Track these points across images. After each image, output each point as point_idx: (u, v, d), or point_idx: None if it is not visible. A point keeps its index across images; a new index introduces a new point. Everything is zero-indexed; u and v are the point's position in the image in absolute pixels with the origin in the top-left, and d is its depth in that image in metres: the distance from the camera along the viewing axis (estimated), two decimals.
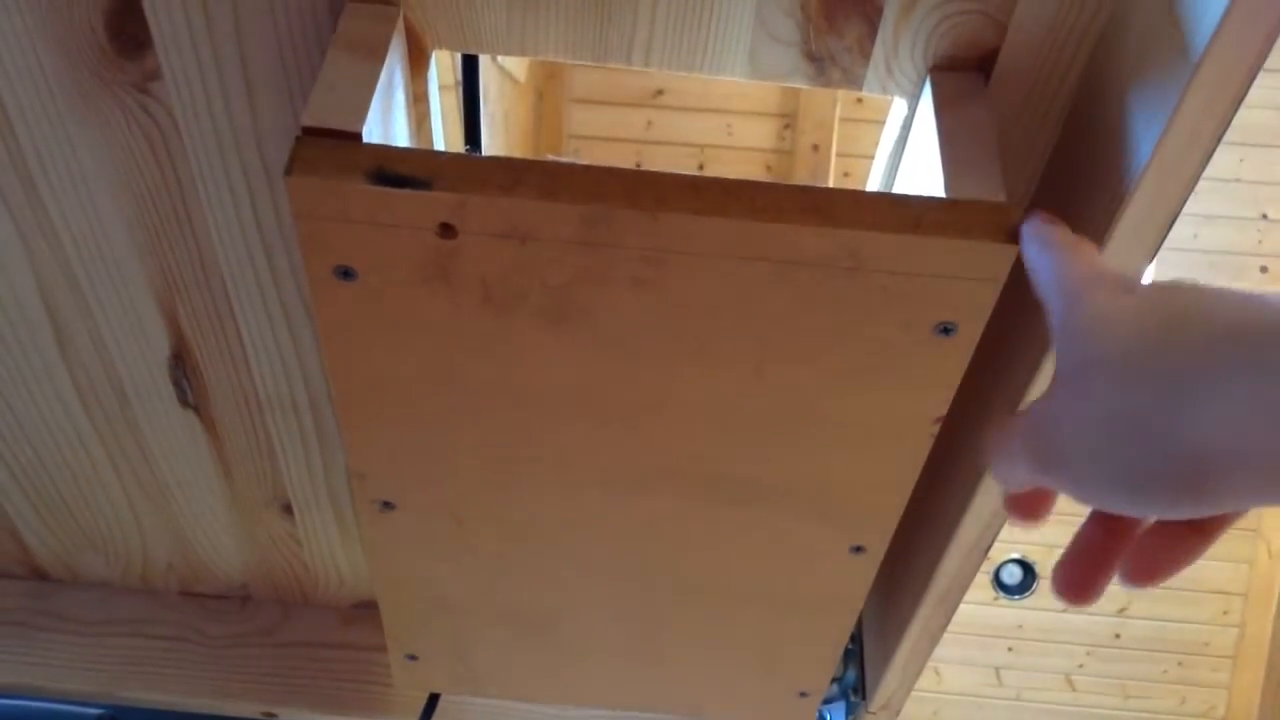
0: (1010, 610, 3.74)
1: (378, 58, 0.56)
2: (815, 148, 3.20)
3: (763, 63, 0.60)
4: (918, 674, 0.90)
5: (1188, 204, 0.51)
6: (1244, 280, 3.18)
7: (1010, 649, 3.79)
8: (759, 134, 3.28)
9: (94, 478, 0.94)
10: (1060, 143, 0.60)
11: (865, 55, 0.59)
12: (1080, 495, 0.40)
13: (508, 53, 0.61)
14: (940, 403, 0.60)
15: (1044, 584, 3.68)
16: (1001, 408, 0.67)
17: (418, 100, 0.64)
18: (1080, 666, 3.79)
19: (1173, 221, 0.52)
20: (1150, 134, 0.50)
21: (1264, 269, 3.21)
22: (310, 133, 0.53)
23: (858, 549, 0.71)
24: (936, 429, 0.61)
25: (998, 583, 3.70)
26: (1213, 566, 3.61)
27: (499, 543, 0.75)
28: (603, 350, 0.59)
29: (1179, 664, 3.74)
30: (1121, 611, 3.69)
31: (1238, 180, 3.11)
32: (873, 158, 0.70)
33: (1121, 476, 0.37)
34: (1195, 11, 0.47)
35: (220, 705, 1.04)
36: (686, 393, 0.61)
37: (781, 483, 0.67)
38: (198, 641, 1.06)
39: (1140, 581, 0.43)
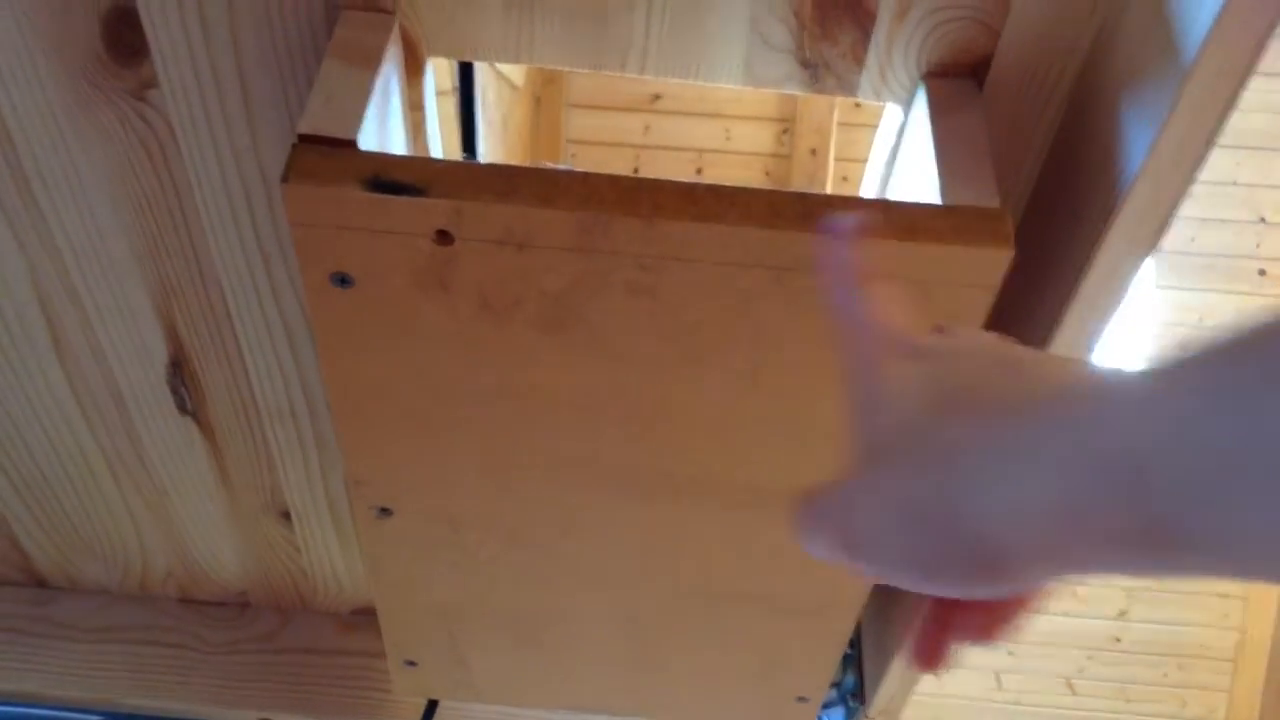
0: None
1: (373, 66, 0.56)
2: (813, 152, 3.20)
3: (757, 70, 0.60)
4: (917, 679, 0.90)
5: (1185, 207, 0.51)
6: (1242, 283, 3.18)
7: (1010, 653, 3.78)
8: (757, 139, 3.28)
9: (93, 485, 0.94)
10: (1054, 148, 0.61)
11: (859, 62, 0.59)
12: (882, 578, 0.39)
13: (503, 60, 0.61)
14: None
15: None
16: None
17: (414, 108, 0.64)
18: (1080, 670, 3.78)
19: (1167, 225, 0.53)
20: (1143, 139, 0.50)
21: (1262, 272, 3.21)
22: (306, 140, 0.53)
23: None
24: None
25: None
26: None
27: (497, 548, 0.75)
28: (599, 356, 0.59)
29: (1179, 668, 3.74)
30: (1122, 615, 3.69)
31: (1235, 184, 3.11)
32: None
33: (915, 562, 0.36)
34: (1186, 17, 0.47)
35: (219, 712, 1.04)
36: (683, 398, 0.62)
37: (777, 488, 0.67)
38: (197, 648, 1.06)
39: (979, 642, 0.43)
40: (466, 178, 0.52)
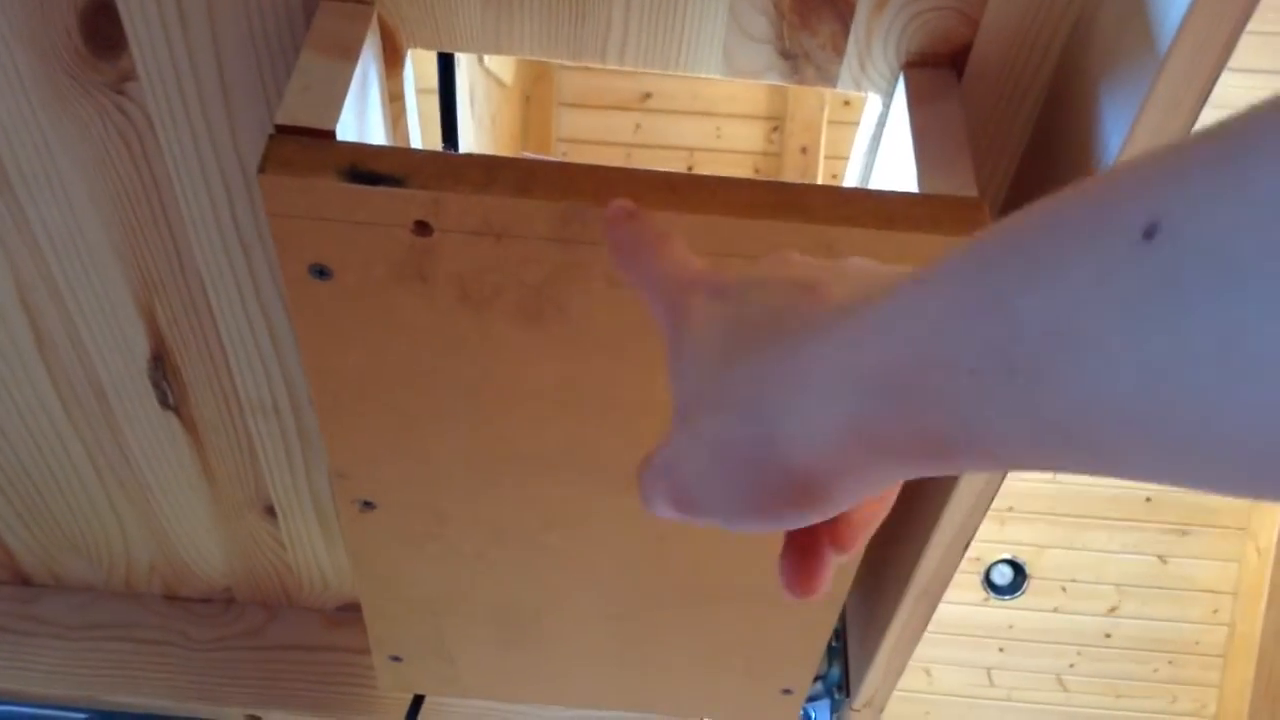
0: (1001, 611, 3.74)
1: (352, 57, 0.56)
2: (803, 150, 3.21)
3: (737, 60, 0.60)
4: (901, 670, 0.90)
5: None
6: None
7: (1001, 649, 3.79)
8: (747, 136, 3.28)
9: (76, 481, 0.94)
10: (1033, 138, 0.61)
11: (839, 52, 0.59)
12: (722, 525, 0.39)
13: (482, 51, 0.61)
14: None
15: (1035, 584, 3.69)
16: None
17: (393, 99, 0.64)
18: (1071, 666, 3.79)
19: None
20: (1120, 126, 0.50)
21: None
22: (284, 131, 0.53)
23: None
24: None
25: (988, 583, 3.70)
26: (1202, 565, 3.62)
27: (481, 542, 0.75)
28: (580, 347, 0.59)
29: (1169, 663, 3.75)
30: (1112, 611, 3.70)
31: None
32: None
33: (739, 503, 0.36)
34: (1161, 7, 0.47)
35: (205, 709, 1.04)
36: (664, 390, 0.61)
37: None
38: (182, 645, 1.06)
39: (839, 553, 0.42)
40: (445, 168, 0.52)
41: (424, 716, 1.02)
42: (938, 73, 0.59)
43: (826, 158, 3.22)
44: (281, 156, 0.51)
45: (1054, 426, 0.25)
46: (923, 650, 0.88)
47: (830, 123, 3.20)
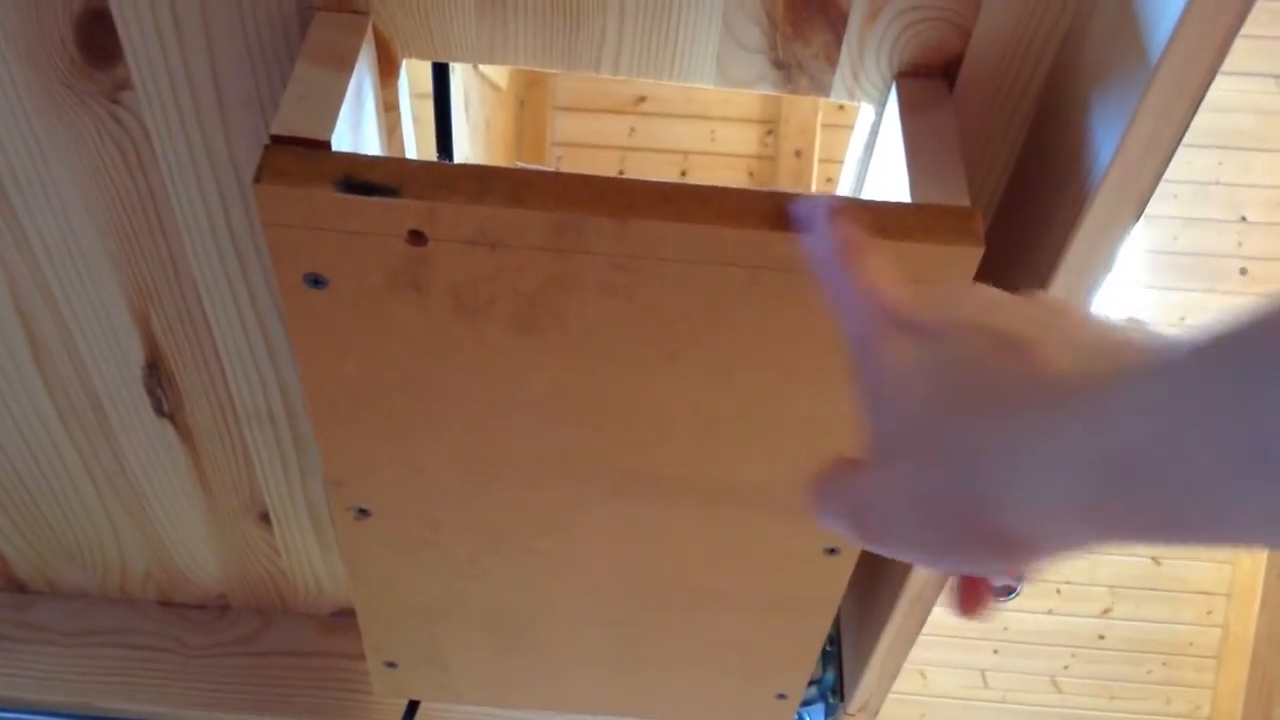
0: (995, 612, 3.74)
1: (347, 67, 0.56)
2: (798, 154, 3.21)
3: (730, 70, 0.60)
4: (895, 674, 0.90)
5: (1168, 207, 0.51)
6: (1224, 282, 3.20)
7: (995, 651, 3.79)
8: (742, 140, 3.29)
9: (71, 488, 0.94)
10: (1025, 146, 0.61)
11: (831, 62, 0.59)
12: (902, 559, 0.40)
13: (477, 61, 0.61)
14: None
15: (1029, 587, 3.69)
16: None
17: (388, 109, 0.64)
18: (1065, 668, 3.80)
19: (1135, 222, 0.53)
20: (1111, 136, 0.50)
21: (1244, 271, 3.23)
22: (279, 141, 0.53)
23: (831, 550, 0.71)
24: None
25: None
26: (1196, 567, 3.63)
27: (475, 549, 0.75)
28: (574, 356, 0.59)
29: (1163, 664, 3.76)
30: (1106, 613, 3.71)
31: (1217, 183, 3.13)
32: None
33: (934, 549, 0.37)
34: (1153, 15, 0.47)
35: (199, 715, 1.04)
36: (658, 398, 0.62)
37: (754, 485, 0.67)
38: (177, 651, 1.06)
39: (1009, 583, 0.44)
40: (439, 178, 0.52)
41: None
42: (930, 83, 0.59)
43: (821, 161, 3.22)
44: (277, 166, 0.52)
45: None
46: (917, 652, 0.88)
47: (824, 126, 3.20)
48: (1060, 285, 0.56)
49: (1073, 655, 3.77)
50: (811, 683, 0.96)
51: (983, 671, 3.82)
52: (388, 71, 0.62)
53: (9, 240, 0.72)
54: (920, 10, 0.57)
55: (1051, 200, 0.56)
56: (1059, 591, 3.70)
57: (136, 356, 0.80)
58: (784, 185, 3.15)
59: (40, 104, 0.64)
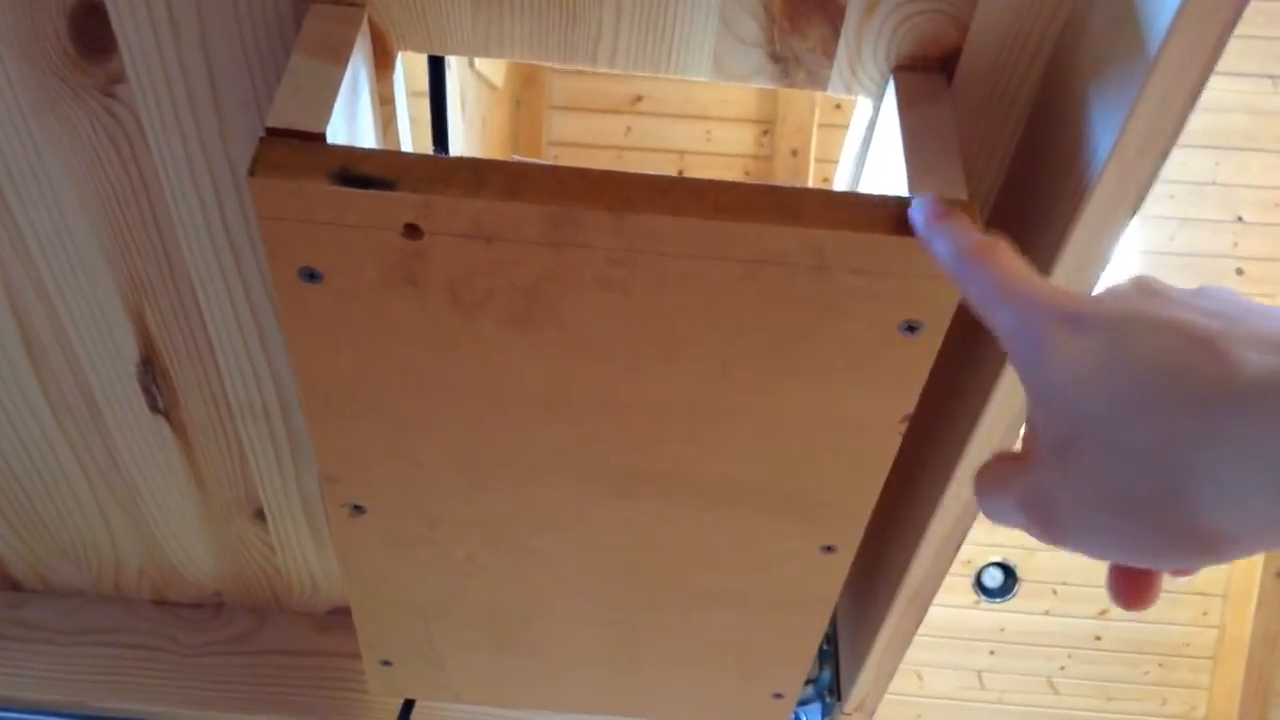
0: (992, 614, 3.74)
1: (342, 59, 0.56)
2: (794, 153, 3.21)
3: (727, 63, 0.60)
4: (892, 674, 0.90)
5: (1164, 207, 0.51)
6: (1220, 282, 3.20)
7: (992, 652, 3.79)
8: (738, 139, 3.29)
9: (65, 485, 0.93)
10: (1023, 140, 0.61)
11: (829, 56, 0.59)
12: (1091, 556, 0.39)
13: (473, 54, 0.61)
14: (907, 401, 0.60)
15: (1025, 587, 3.69)
16: (969, 407, 0.67)
17: (384, 102, 0.63)
18: (1062, 669, 3.80)
19: (1132, 216, 0.53)
20: (1110, 129, 0.50)
21: (1240, 271, 3.23)
22: (274, 134, 0.52)
23: (828, 548, 0.71)
24: (904, 427, 0.62)
25: (979, 586, 3.70)
26: None
27: (472, 546, 0.75)
28: (571, 351, 0.59)
29: (1159, 665, 3.76)
30: (1102, 614, 3.71)
31: (1213, 183, 3.13)
32: None
33: (1128, 546, 0.37)
34: (1152, 7, 0.47)
35: (194, 714, 1.03)
36: (655, 393, 0.61)
37: (751, 482, 0.67)
38: (172, 650, 1.05)
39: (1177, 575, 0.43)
40: (435, 171, 0.52)
41: None
42: (927, 76, 0.59)
43: (817, 161, 3.22)
44: (271, 159, 0.51)
45: None
46: (914, 653, 0.88)
47: (821, 126, 3.20)
48: (1058, 279, 0.56)
49: (1069, 656, 3.78)
50: (808, 682, 0.96)
51: (979, 672, 3.82)
52: (383, 64, 0.62)
53: (2, 235, 0.72)
54: (918, 4, 0.56)
55: (1050, 194, 0.56)
56: (1055, 593, 3.70)
57: (131, 352, 0.80)
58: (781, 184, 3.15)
59: (34, 97, 0.64)
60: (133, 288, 0.75)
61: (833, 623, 0.97)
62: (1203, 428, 0.34)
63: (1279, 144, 3.05)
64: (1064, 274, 0.56)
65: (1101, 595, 3.60)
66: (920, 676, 3.82)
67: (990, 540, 3.62)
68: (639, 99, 3.23)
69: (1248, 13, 0.46)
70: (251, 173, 0.51)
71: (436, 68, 0.72)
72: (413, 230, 0.53)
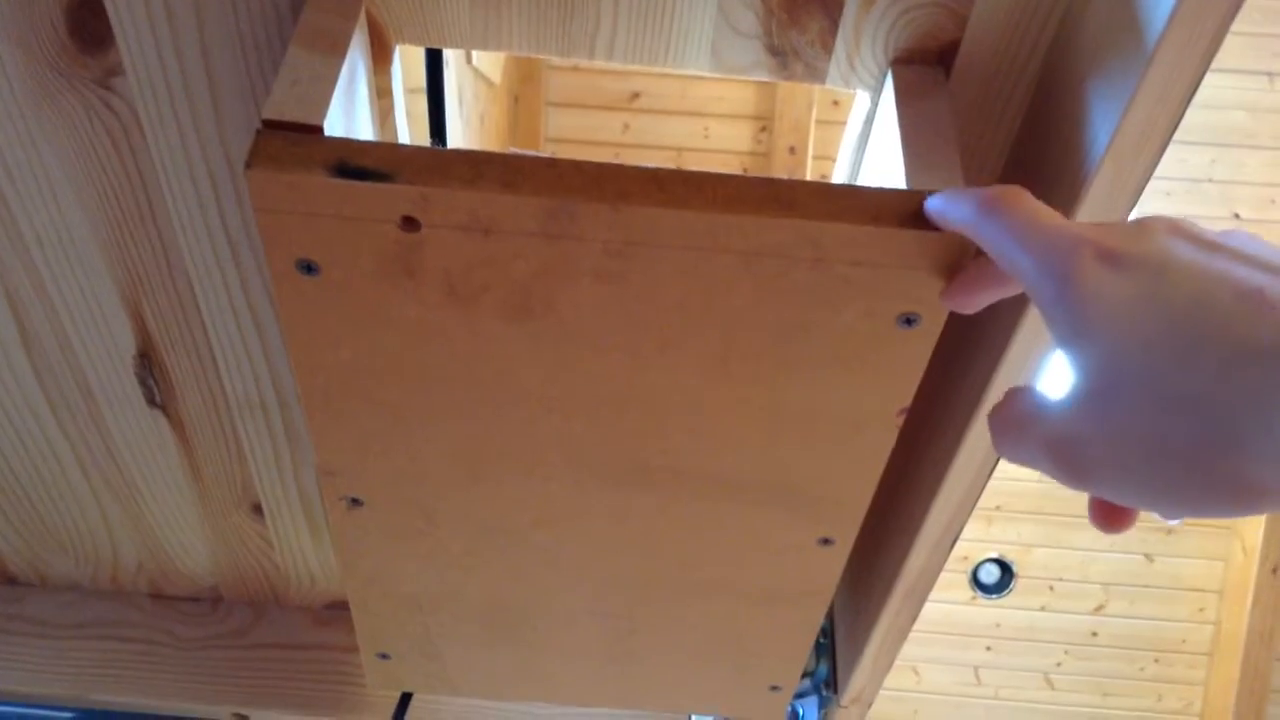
0: (988, 609, 3.75)
1: (339, 52, 0.56)
2: (792, 150, 3.21)
3: (725, 56, 0.60)
4: (888, 667, 0.90)
5: (1160, 205, 0.51)
6: None
7: (988, 648, 3.80)
8: (736, 136, 3.29)
9: (62, 480, 0.93)
10: (1021, 134, 0.61)
11: (827, 49, 0.59)
12: (1118, 502, 0.39)
13: (471, 46, 0.61)
14: (904, 394, 0.60)
15: (1022, 583, 3.70)
16: (966, 400, 0.67)
17: (382, 95, 0.63)
18: (1058, 665, 3.80)
19: (1130, 211, 0.53)
20: (1108, 122, 0.50)
21: None
22: (271, 126, 0.52)
23: (826, 541, 0.71)
24: (901, 420, 0.62)
25: (975, 582, 3.71)
26: (1188, 564, 3.64)
27: (469, 539, 0.75)
28: (568, 344, 0.59)
29: (1156, 661, 3.77)
30: (1099, 610, 3.72)
31: (1210, 180, 3.14)
32: None
33: (1161, 494, 0.37)
34: (1149, 2, 0.47)
35: (192, 708, 1.03)
36: (652, 386, 0.61)
37: (749, 475, 0.67)
38: (169, 644, 1.05)
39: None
40: (432, 163, 0.52)
41: (412, 714, 1.02)
42: (925, 69, 0.59)
43: (815, 158, 3.23)
44: (268, 152, 0.51)
45: None
46: (910, 649, 0.88)
47: (818, 123, 3.21)
48: None
49: (1065, 652, 3.78)
50: (805, 675, 0.96)
51: (976, 668, 3.83)
52: (381, 57, 0.62)
53: None
54: None
55: (1047, 187, 0.56)
56: (1052, 589, 3.71)
57: (128, 346, 0.80)
58: None
59: (30, 89, 0.64)
60: (130, 281, 0.75)
61: (829, 616, 0.97)
62: (1257, 381, 0.33)
63: (1276, 141, 3.06)
64: None
65: (1099, 591, 3.61)
66: (917, 672, 3.83)
67: (987, 537, 3.63)
68: (636, 96, 3.23)
69: (1245, 10, 0.46)
70: (248, 165, 0.51)
71: (434, 64, 0.72)
72: (410, 223, 0.53)
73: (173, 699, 1.03)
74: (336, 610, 1.07)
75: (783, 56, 0.60)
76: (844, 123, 0.65)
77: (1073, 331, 0.38)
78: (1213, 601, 3.67)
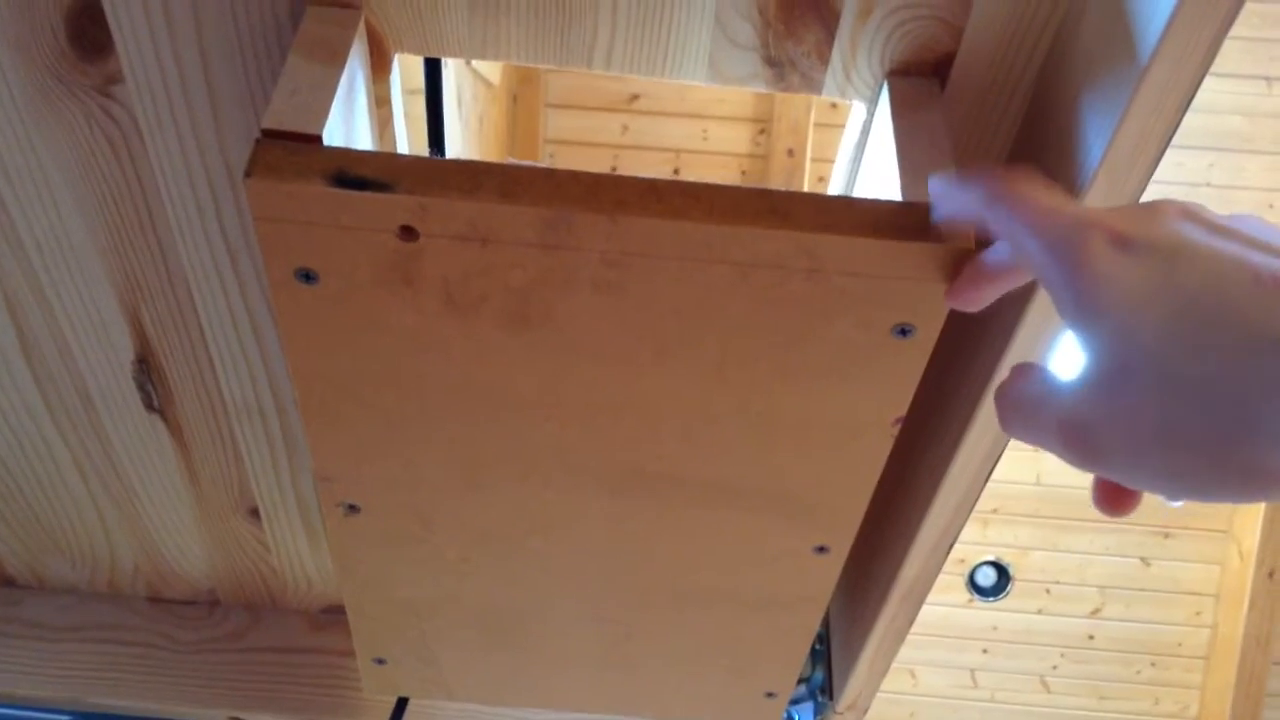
0: (985, 612, 3.75)
1: (339, 61, 0.56)
2: (790, 153, 3.22)
3: (722, 67, 0.60)
4: (884, 673, 0.90)
5: None
6: None
7: (985, 651, 3.80)
8: (734, 139, 3.29)
9: (60, 483, 0.93)
10: (1015, 146, 0.61)
11: (823, 60, 0.60)
12: (1131, 485, 0.39)
13: (469, 56, 0.61)
14: (899, 403, 0.61)
15: (1018, 586, 3.70)
16: (961, 409, 0.67)
17: (380, 104, 0.64)
18: (1054, 668, 3.81)
19: None
20: (1103, 133, 0.50)
21: None
22: (270, 135, 0.53)
23: (821, 549, 0.72)
24: (896, 429, 0.62)
25: (972, 585, 3.71)
26: (1185, 568, 3.64)
27: (465, 545, 0.75)
28: (565, 353, 0.59)
29: (1152, 665, 3.77)
30: (1095, 613, 3.72)
31: (1208, 185, 3.14)
32: None
33: (1175, 480, 0.37)
34: (1143, 15, 0.48)
35: (188, 711, 1.03)
36: (649, 395, 0.62)
37: (745, 483, 0.67)
38: (166, 647, 1.05)
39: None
40: (431, 173, 0.52)
41: (408, 719, 1.02)
42: (921, 81, 0.59)
43: (813, 160, 3.23)
44: (268, 161, 0.51)
45: None
46: (907, 652, 0.89)
47: (817, 125, 3.21)
48: None
49: (1062, 655, 3.79)
50: (801, 681, 0.96)
51: (972, 671, 3.83)
52: (380, 66, 0.62)
53: None
54: (912, 9, 0.57)
55: None
56: (1048, 591, 3.71)
57: (126, 351, 0.80)
58: (776, 185, 3.15)
59: (30, 96, 0.64)
60: (129, 287, 0.75)
61: (825, 622, 0.98)
62: (1271, 367, 0.33)
63: (1274, 146, 3.06)
64: None
65: (1095, 595, 3.61)
66: (913, 675, 3.83)
67: (984, 540, 3.63)
68: (635, 98, 3.23)
69: (1243, 14, 0.46)
70: (248, 174, 0.51)
71: (433, 65, 0.72)
72: (408, 232, 0.53)
73: (169, 702, 1.03)
74: (333, 614, 1.07)
75: (779, 68, 0.60)
76: (842, 126, 0.65)
77: (1084, 314, 0.38)
78: (1209, 605, 3.67)
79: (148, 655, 1.05)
